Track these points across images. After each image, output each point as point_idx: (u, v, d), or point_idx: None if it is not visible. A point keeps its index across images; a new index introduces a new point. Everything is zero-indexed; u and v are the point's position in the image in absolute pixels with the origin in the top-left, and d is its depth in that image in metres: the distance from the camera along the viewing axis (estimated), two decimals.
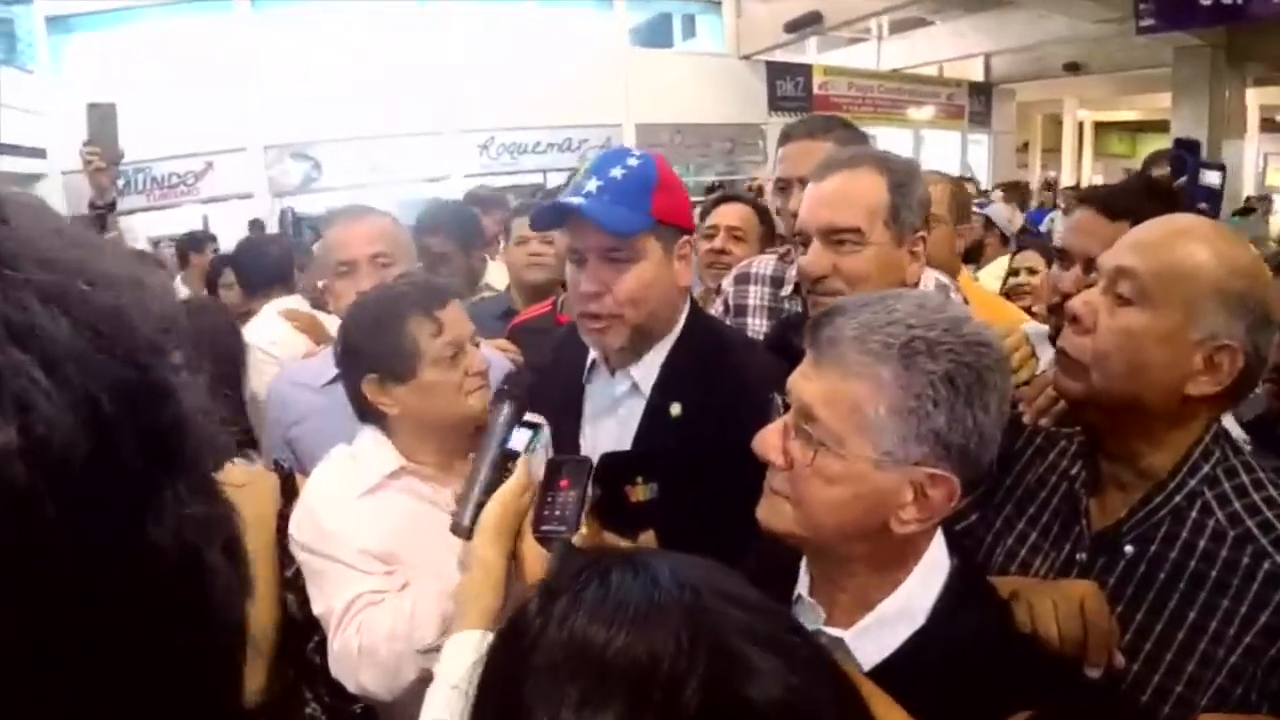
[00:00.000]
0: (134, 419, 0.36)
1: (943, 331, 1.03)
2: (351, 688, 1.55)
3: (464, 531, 1.36)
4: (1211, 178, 2.33)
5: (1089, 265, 1.76)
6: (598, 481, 1.50)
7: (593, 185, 1.59)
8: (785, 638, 0.64)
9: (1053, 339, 1.84)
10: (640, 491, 1.47)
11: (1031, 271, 3.55)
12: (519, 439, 1.40)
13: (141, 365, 0.38)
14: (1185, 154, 2.43)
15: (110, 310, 0.37)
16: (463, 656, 1.21)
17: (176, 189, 11.43)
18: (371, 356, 1.64)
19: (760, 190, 4.87)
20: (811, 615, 1.14)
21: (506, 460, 1.41)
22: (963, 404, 1.02)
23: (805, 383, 1.09)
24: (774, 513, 1.12)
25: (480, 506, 1.36)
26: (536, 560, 1.36)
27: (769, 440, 1.12)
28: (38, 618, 0.33)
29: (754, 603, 0.65)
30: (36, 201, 0.42)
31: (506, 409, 1.47)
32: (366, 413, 1.70)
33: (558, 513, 1.41)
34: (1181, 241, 1.23)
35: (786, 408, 1.14)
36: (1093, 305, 1.28)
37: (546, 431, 1.47)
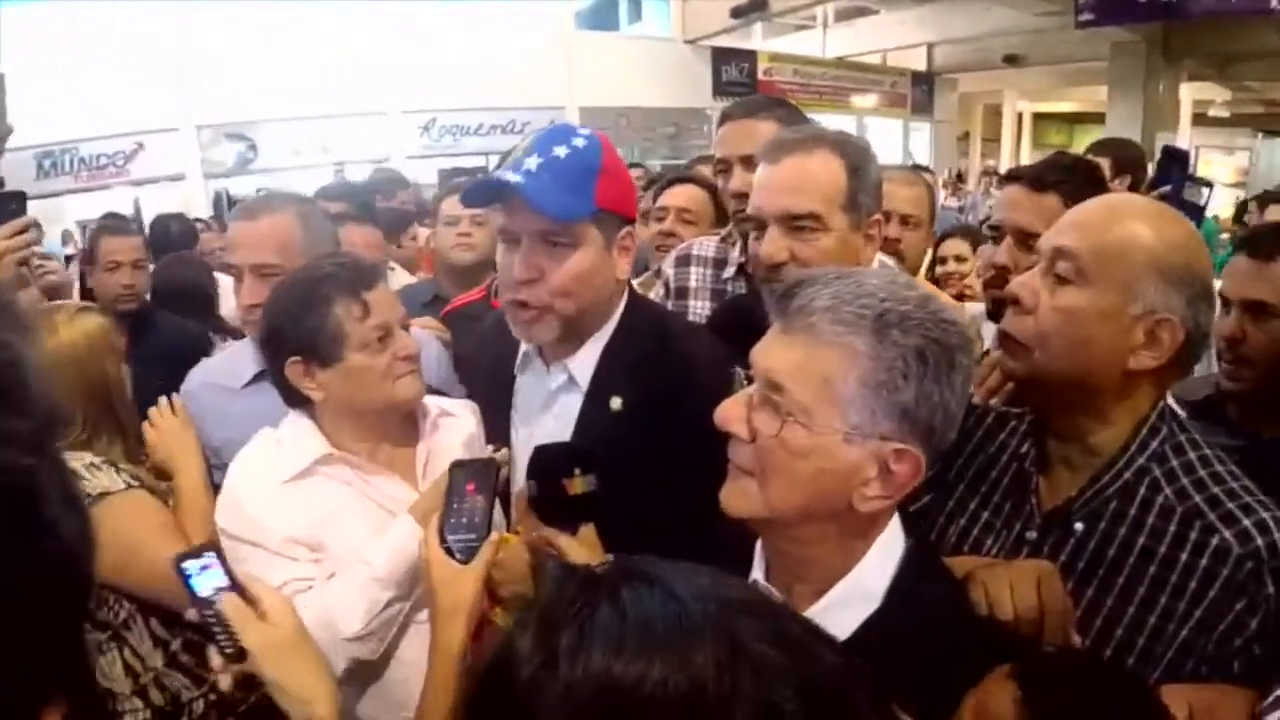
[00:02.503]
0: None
1: (915, 306, 1.02)
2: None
3: None
4: (1195, 194, 2.30)
5: (1020, 237, 1.83)
6: (531, 476, 1.45)
7: (533, 163, 1.50)
8: (806, 641, 0.59)
9: (990, 314, 1.86)
10: (578, 484, 1.42)
11: (959, 259, 3.58)
12: (207, 581, 1.19)
13: None
14: (1172, 163, 2.38)
15: None
16: None
17: (105, 170, 11.03)
18: (295, 339, 1.56)
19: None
20: None
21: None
22: (931, 380, 1.00)
23: (772, 353, 1.06)
24: (739, 494, 1.09)
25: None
26: (446, 574, 1.32)
27: (732, 412, 1.08)
28: None
29: (766, 608, 0.61)
30: None
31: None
32: (292, 398, 1.62)
33: (464, 520, 1.36)
34: (1118, 219, 1.24)
35: (749, 381, 1.11)
36: (1033, 286, 1.28)
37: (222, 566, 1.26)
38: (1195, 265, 1.21)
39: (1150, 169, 3.12)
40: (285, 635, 1.18)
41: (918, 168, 5.40)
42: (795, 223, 1.64)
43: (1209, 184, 2.44)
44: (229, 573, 1.20)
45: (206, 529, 1.87)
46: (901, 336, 1.00)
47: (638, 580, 0.59)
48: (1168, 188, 2.37)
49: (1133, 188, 3.15)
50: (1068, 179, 1.85)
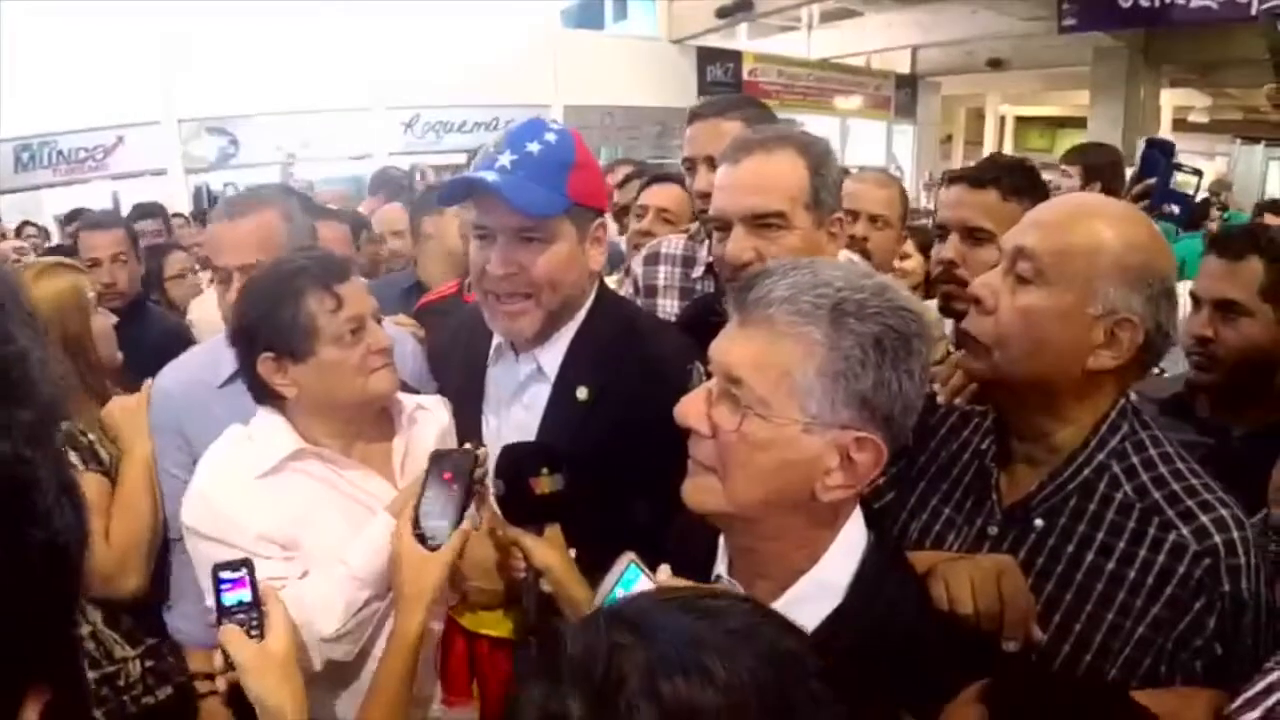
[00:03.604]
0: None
1: (871, 295, 1.02)
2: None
3: None
4: (1186, 182, 2.26)
5: (965, 232, 1.89)
6: (499, 475, 1.45)
7: (506, 159, 1.51)
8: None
9: (943, 309, 1.90)
10: (545, 483, 1.42)
11: (903, 256, 3.59)
12: (234, 590, 1.31)
13: None
14: (1156, 153, 2.36)
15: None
16: None
17: (85, 164, 10.89)
18: (267, 334, 1.53)
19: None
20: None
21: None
22: (889, 367, 1.01)
23: (730, 346, 1.06)
24: (701, 490, 1.09)
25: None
26: (414, 561, 1.35)
27: (692, 407, 1.08)
28: None
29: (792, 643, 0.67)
30: None
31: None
32: (263, 393, 1.60)
33: (438, 508, 1.38)
34: (1077, 220, 1.25)
35: (708, 376, 1.11)
36: (993, 287, 1.28)
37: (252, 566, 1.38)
38: (1155, 264, 1.22)
39: (1129, 172, 3.13)
40: (274, 658, 1.27)
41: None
42: (760, 221, 1.64)
43: (1198, 172, 2.38)
44: (254, 588, 1.30)
45: (133, 516, 1.89)
46: (858, 325, 1.00)
47: (648, 636, 0.64)
48: (1153, 180, 2.35)
49: (1106, 194, 3.17)
50: (1004, 175, 1.92)
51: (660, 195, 3.03)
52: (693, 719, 0.59)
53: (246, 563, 1.32)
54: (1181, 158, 2.45)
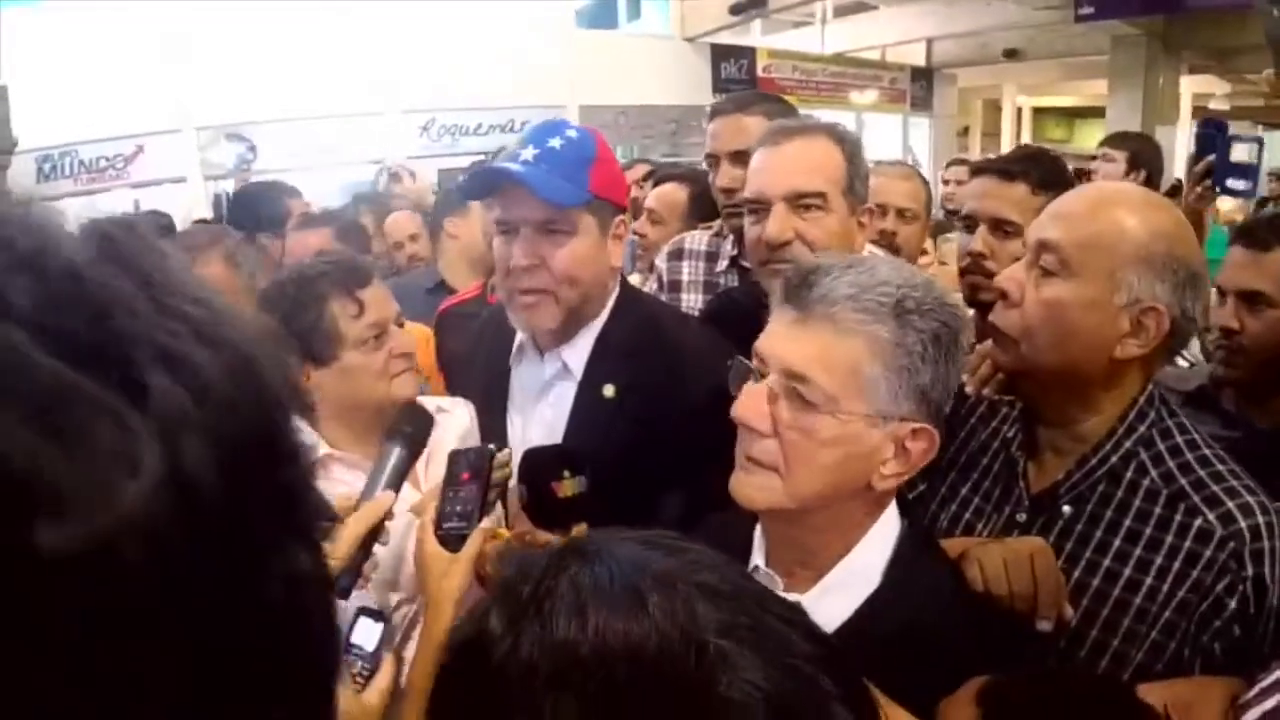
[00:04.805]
0: (267, 471, 0.36)
1: (924, 292, 1.05)
2: None
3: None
4: (1243, 152, 2.16)
5: (993, 224, 1.89)
6: (521, 480, 1.45)
7: (529, 154, 1.52)
8: (773, 627, 0.58)
9: (969, 301, 1.90)
10: (567, 486, 1.42)
11: (921, 252, 3.58)
12: (365, 633, 1.27)
13: (273, 419, 0.37)
14: (1211, 130, 2.29)
15: (247, 357, 0.36)
16: None
17: (105, 173, 11.00)
18: (289, 339, 1.53)
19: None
20: (769, 585, 1.12)
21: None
22: (944, 362, 1.05)
23: (791, 344, 1.06)
24: (757, 487, 1.08)
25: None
26: (438, 563, 1.32)
27: (752, 406, 1.07)
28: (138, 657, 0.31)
29: (736, 590, 0.60)
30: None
31: (396, 454, 1.38)
32: None
33: (459, 508, 1.35)
34: (1101, 210, 1.25)
35: (749, 371, 1.12)
36: (1019, 280, 1.29)
37: (390, 628, 1.37)
38: (1180, 252, 1.22)
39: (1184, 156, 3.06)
40: (363, 713, 1.26)
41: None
42: (801, 201, 1.65)
43: (1258, 140, 2.27)
44: (381, 643, 1.28)
45: None
46: (920, 321, 1.04)
47: (587, 559, 0.60)
48: (1212, 157, 2.25)
49: (1146, 184, 3.13)
50: (1033, 168, 1.91)
51: (651, 196, 3.04)
52: (609, 647, 0.54)
53: (386, 618, 1.32)
54: None
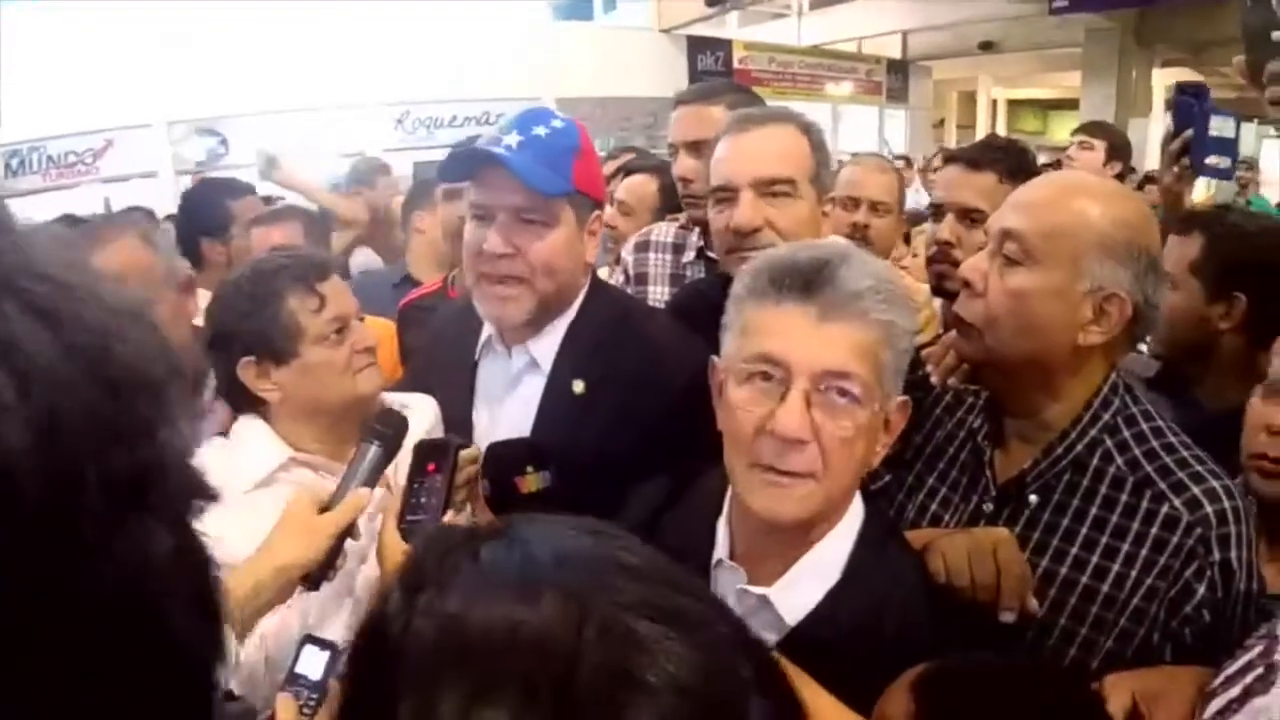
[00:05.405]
0: (102, 451, 0.35)
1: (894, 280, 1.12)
2: (260, 705, 1.40)
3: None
4: (1224, 126, 1.92)
5: (962, 213, 1.90)
6: (485, 475, 1.43)
7: (513, 139, 1.49)
8: (690, 611, 0.56)
9: (935, 289, 1.90)
10: (531, 481, 1.40)
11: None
12: (310, 663, 1.21)
13: (122, 398, 0.36)
14: (1189, 99, 1.98)
15: (99, 334, 0.36)
16: None
17: (74, 168, 10.83)
18: (248, 337, 1.49)
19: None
20: (733, 578, 1.12)
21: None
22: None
23: (822, 345, 1.03)
24: (797, 499, 1.04)
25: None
26: (394, 554, 1.29)
27: (797, 421, 1.02)
28: None
29: (653, 573, 0.57)
30: (57, 229, 0.40)
31: (373, 452, 1.36)
32: (242, 402, 1.55)
33: (422, 500, 1.33)
34: (1063, 198, 1.25)
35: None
36: (982, 269, 1.29)
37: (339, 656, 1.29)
38: (1141, 240, 1.22)
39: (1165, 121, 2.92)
40: None
41: (899, 157, 5.40)
42: (770, 188, 1.63)
43: (1240, 116, 2.14)
44: (327, 675, 1.23)
45: None
46: (904, 309, 1.08)
47: (501, 540, 0.58)
48: (1190, 131, 2.12)
49: (1119, 177, 3.14)
50: (1002, 158, 1.93)
51: (621, 188, 3.03)
52: (496, 628, 0.52)
53: (336, 650, 1.26)
54: None
